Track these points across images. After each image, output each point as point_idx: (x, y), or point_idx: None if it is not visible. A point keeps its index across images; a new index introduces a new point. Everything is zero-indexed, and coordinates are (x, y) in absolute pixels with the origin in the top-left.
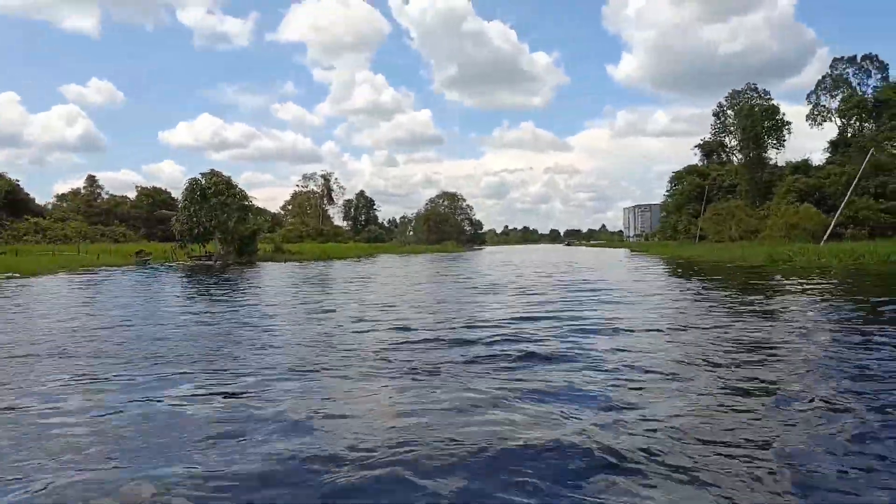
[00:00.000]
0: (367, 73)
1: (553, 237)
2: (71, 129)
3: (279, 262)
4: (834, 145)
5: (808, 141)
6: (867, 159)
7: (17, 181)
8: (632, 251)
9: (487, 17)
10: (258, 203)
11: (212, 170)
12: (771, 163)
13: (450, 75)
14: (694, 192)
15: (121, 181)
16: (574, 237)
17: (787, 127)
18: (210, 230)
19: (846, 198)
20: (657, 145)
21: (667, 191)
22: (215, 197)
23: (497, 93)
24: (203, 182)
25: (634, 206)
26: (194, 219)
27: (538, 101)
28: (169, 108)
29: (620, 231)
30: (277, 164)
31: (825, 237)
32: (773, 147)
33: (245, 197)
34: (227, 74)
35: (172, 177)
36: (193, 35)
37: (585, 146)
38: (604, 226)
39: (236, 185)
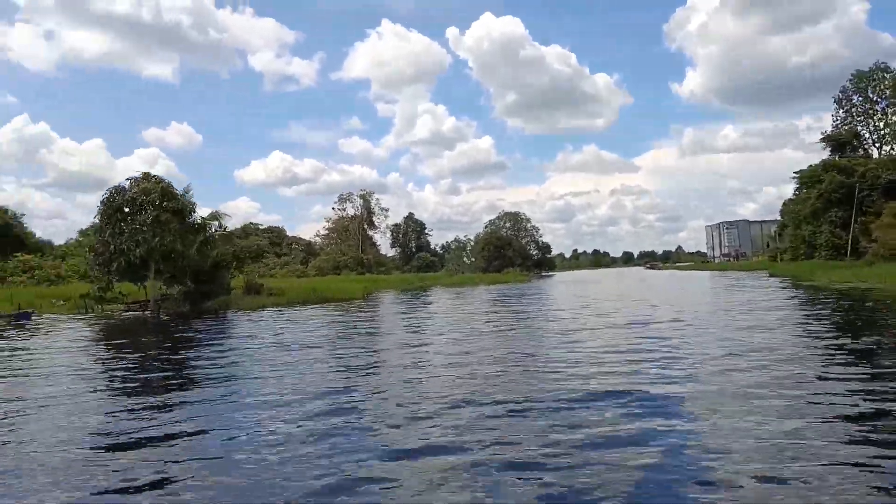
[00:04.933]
0: (429, 104)
1: (626, 259)
2: (153, 171)
3: (243, 308)
4: None
5: None
6: None
7: (20, 215)
8: (796, 280)
9: (545, 41)
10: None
11: (144, 173)
12: None
13: (510, 102)
14: (836, 194)
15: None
16: (650, 259)
17: None
18: (134, 261)
19: None
20: (728, 161)
21: (794, 193)
22: (142, 211)
23: (558, 116)
24: (130, 191)
25: (719, 224)
26: (111, 246)
27: (601, 122)
28: (243, 148)
29: (700, 251)
30: None
31: None
32: None
33: (209, 216)
34: (295, 113)
35: (248, 213)
36: (264, 78)
37: (652, 166)
38: (680, 247)
39: (181, 196)
